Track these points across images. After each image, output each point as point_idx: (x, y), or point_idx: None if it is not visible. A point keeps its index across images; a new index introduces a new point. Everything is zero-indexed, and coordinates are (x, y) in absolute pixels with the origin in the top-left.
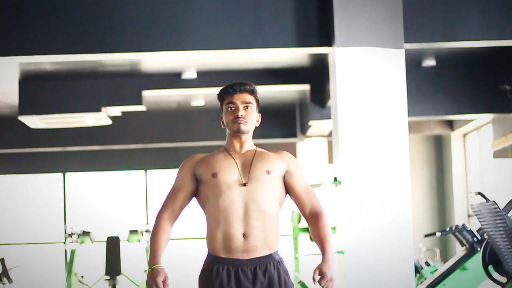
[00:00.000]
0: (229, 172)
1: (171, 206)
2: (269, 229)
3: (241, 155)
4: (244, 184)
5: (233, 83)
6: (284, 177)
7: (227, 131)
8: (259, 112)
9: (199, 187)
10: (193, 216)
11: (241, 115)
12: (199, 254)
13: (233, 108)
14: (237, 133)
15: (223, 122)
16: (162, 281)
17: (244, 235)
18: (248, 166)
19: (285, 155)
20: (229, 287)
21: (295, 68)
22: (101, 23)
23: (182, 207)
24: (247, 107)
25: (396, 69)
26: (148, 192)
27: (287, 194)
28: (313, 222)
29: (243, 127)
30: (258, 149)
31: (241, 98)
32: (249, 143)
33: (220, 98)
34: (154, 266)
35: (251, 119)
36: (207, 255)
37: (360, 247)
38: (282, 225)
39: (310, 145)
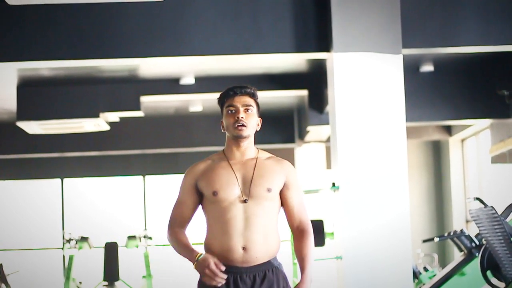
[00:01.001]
0: (229, 189)
1: (179, 218)
2: (270, 239)
3: (242, 165)
4: (245, 201)
5: (234, 86)
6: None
7: (227, 134)
8: (259, 116)
9: (202, 197)
10: (194, 222)
11: (242, 117)
12: None
13: (233, 111)
14: (237, 138)
15: (223, 126)
16: (215, 264)
17: (244, 248)
18: (249, 182)
19: (285, 166)
20: None
21: (293, 74)
22: (99, 29)
23: (189, 219)
24: (247, 109)
25: (394, 75)
26: (146, 197)
27: None
28: (298, 238)
29: (243, 133)
30: (260, 154)
31: (241, 101)
32: (250, 150)
33: (220, 102)
34: (197, 256)
35: (252, 122)
36: None
37: (358, 252)
38: (280, 231)
39: (308, 150)
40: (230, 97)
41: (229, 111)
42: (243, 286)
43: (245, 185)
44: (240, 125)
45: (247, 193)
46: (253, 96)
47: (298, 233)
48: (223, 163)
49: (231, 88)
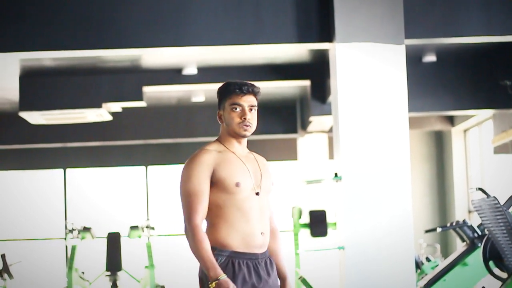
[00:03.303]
0: (247, 181)
1: (203, 210)
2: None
3: (247, 159)
4: (257, 193)
5: (240, 82)
6: None
7: (225, 127)
8: None
9: (211, 186)
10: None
11: (249, 118)
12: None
13: (238, 109)
14: (240, 136)
15: (220, 118)
16: None
17: (262, 233)
18: (259, 175)
19: (268, 165)
20: (251, 280)
21: (296, 64)
22: (101, 19)
23: (207, 210)
24: (251, 109)
25: (397, 65)
26: (148, 188)
27: None
28: (274, 237)
29: (248, 133)
30: (250, 152)
31: (247, 101)
32: (245, 144)
33: (222, 95)
34: (220, 277)
35: (255, 121)
36: (220, 251)
37: (360, 242)
38: (283, 221)
39: (310, 141)
40: (236, 95)
41: (234, 109)
42: (261, 271)
43: (256, 178)
44: (246, 126)
45: (259, 185)
46: (257, 95)
47: (272, 231)
48: (232, 156)
49: (238, 85)
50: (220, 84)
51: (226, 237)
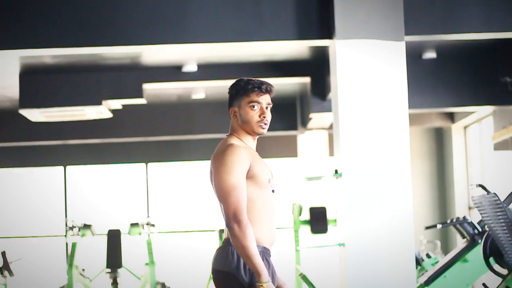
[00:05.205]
0: (271, 178)
1: (245, 206)
2: None
3: (260, 157)
4: (273, 191)
5: (258, 81)
6: None
7: (241, 125)
8: None
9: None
10: (201, 209)
11: (267, 117)
12: (208, 246)
13: (256, 108)
14: (258, 134)
15: (235, 116)
16: None
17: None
18: (271, 174)
19: None
20: (274, 279)
21: (296, 61)
22: (101, 16)
23: None
24: (267, 108)
25: (397, 62)
26: (149, 185)
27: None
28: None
29: (265, 131)
30: None
31: (265, 99)
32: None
33: (239, 92)
34: (269, 281)
35: (270, 119)
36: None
37: (361, 239)
38: (283, 218)
39: (310, 137)
40: (255, 93)
41: (253, 107)
42: (272, 268)
43: (272, 176)
44: (265, 124)
45: (273, 183)
46: (272, 93)
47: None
48: (255, 152)
49: (257, 84)
50: (220, 81)
51: (261, 232)
